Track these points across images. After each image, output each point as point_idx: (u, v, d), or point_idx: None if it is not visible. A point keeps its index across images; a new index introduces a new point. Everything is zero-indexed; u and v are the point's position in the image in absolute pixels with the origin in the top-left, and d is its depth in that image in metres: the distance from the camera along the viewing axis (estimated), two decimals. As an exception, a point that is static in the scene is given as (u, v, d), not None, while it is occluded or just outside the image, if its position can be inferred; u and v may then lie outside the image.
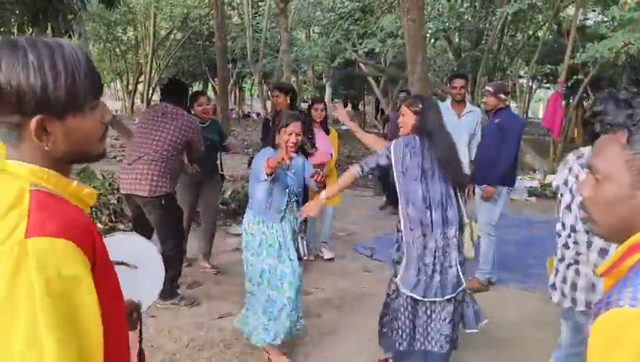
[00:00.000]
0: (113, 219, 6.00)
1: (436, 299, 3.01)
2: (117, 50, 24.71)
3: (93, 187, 6.29)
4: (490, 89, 4.80)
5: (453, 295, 3.03)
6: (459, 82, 5.09)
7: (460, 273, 3.05)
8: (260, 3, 17.60)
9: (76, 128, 1.06)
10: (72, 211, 1.02)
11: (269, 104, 16.95)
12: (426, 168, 3.00)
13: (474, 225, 3.34)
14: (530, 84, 24.37)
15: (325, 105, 5.46)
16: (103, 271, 1.03)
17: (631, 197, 1.04)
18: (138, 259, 1.70)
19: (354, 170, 3.21)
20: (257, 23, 16.71)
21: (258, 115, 26.64)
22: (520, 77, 22.36)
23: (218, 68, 12.67)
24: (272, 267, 3.29)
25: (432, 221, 2.97)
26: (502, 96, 4.71)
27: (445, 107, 4.88)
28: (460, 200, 3.11)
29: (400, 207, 3.06)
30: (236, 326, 3.59)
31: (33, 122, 1.00)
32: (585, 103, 19.29)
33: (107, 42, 23.35)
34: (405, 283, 3.01)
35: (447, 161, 3.02)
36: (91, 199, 1.11)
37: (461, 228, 3.09)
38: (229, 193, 7.28)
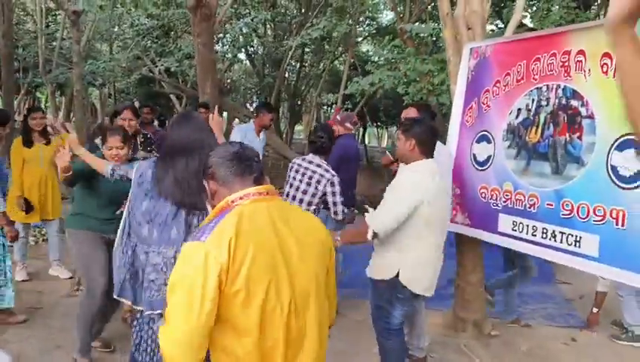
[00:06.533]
0: None
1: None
2: None
3: None
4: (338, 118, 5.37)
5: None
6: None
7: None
8: (57, 12, 16.74)
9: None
10: None
11: (61, 115, 16.14)
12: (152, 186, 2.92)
13: None
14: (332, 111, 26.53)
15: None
16: None
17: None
18: None
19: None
20: (53, 32, 15.87)
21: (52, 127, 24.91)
22: (323, 105, 24.38)
23: (2, 77, 11.83)
24: None
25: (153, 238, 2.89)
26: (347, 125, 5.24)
27: (250, 128, 5.99)
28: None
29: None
30: None
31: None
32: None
33: None
34: None
35: (176, 182, 2.85)
36: None
37: None
38: None
